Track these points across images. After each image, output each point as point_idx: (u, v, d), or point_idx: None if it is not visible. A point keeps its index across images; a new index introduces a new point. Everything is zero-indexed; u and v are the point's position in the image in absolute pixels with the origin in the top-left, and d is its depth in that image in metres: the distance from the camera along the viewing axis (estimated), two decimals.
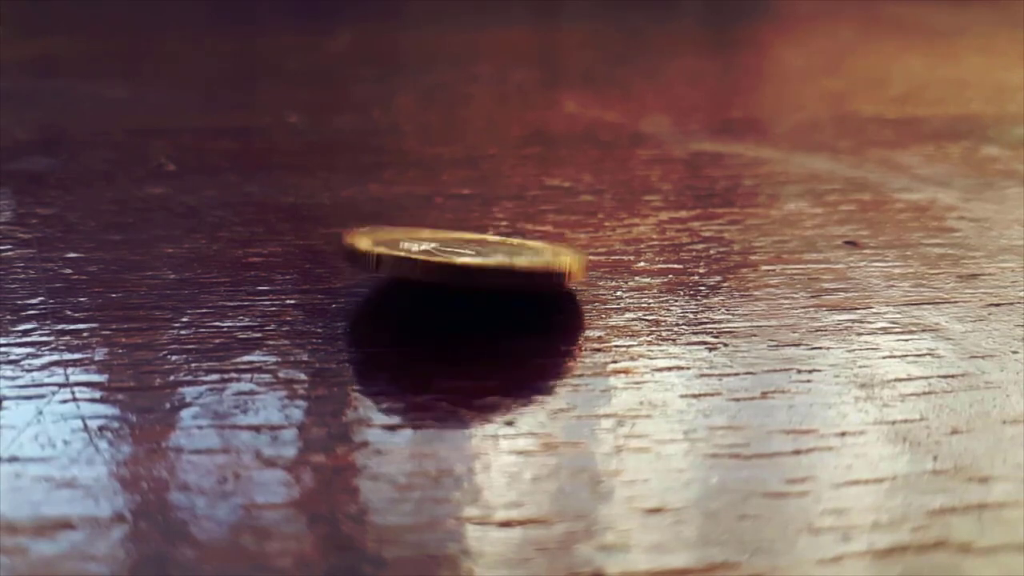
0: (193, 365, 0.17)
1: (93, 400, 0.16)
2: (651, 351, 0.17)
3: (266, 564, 0.13)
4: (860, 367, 0.17)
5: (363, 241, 0.18)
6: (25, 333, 0.17)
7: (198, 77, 0.34)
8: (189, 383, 0.16)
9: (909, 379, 0.16)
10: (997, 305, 0.19)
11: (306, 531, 0.13)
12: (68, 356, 0.17)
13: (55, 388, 0.16)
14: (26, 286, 0.19)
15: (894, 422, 0.15)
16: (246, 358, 0.17)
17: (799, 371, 0.17)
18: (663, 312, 0.18)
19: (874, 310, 0.19)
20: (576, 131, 0.29)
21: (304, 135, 0.28)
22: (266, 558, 0.13)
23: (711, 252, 0.21)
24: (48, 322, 0.18)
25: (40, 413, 0.15)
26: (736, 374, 0.17)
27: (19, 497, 0.14)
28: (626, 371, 0.17)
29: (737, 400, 0.16)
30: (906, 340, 0.18)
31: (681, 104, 0.32)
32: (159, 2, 0.45)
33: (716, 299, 0.19)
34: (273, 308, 0.18)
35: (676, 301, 0.19)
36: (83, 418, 0.15)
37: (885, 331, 0.18)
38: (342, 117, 0.30)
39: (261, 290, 0.19)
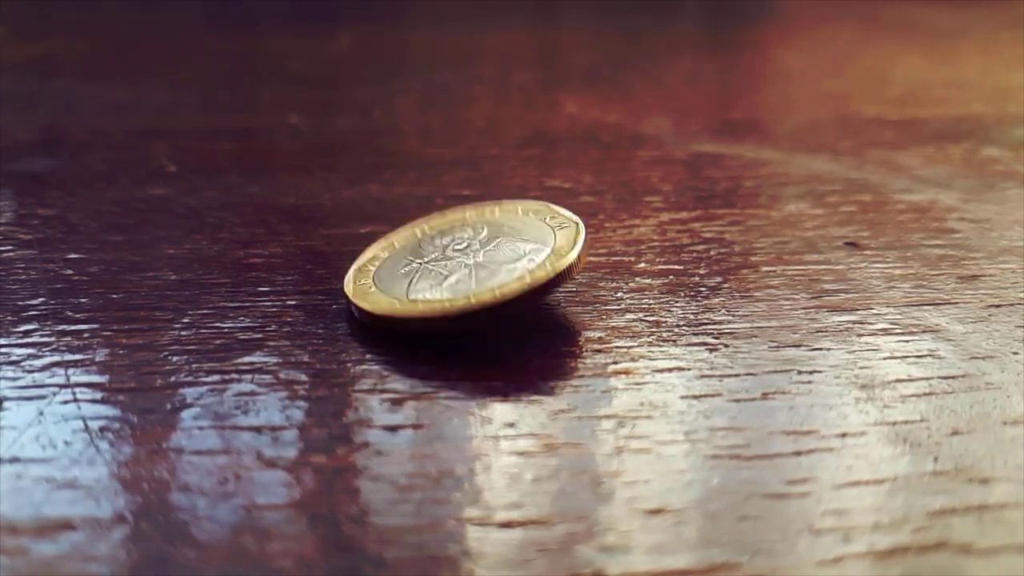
0: (194, 366, 0.17)
1: (94, 401, 0.16)
2: (652, 352, 0.17)
3: (267, 565, 0.13)
4: (861, 368, 0.17)
5: (372, 298, 0.18)
6: (26, 334, 0.17)
7: (199, 78, 0.34)
8: (190, 384, 0.16)
9: (910, 380, 0.16)
10: (998, 306, 0.19)
11: (307, 532, 0.13)
12: (69, 357, 0.17)
13: (56, 389, 0.16)
14: (27, 287, 0.19)
15: (895, 423, 0.15)
16: (247, 359, 0.17)
17: (800, 372, 0.17)
18: (664, 313, 0.18)
19: (875, 311, 0.19)
20: (577, 132, 0.29)
21: (305, 136, 0.28)
22: (267, 559, 0.13)
23: (712, 253, 0.21)
24: (49, 323, 0.18)
25: (41, 414, 0.15)
26: (737, 375, 0.17)
27: (20, 498, 0.14)
28: (627, 372, 0.17)
29: (738, 401, 0.16)
30: (907, 341, 0.18)
31: (682, 105, 0.32)
32: (160, 3, 0.45)
33: (717, 300, 0.19)
34: (274, 309, 0.18)
35: (677, 302, 0.19)
36: (84, 419, 0.15)
37: (886, 332, 0.18)
38: (343, 118, 0.30)
39: (262, 291, 0.19)
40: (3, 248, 0.21)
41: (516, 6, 0.47)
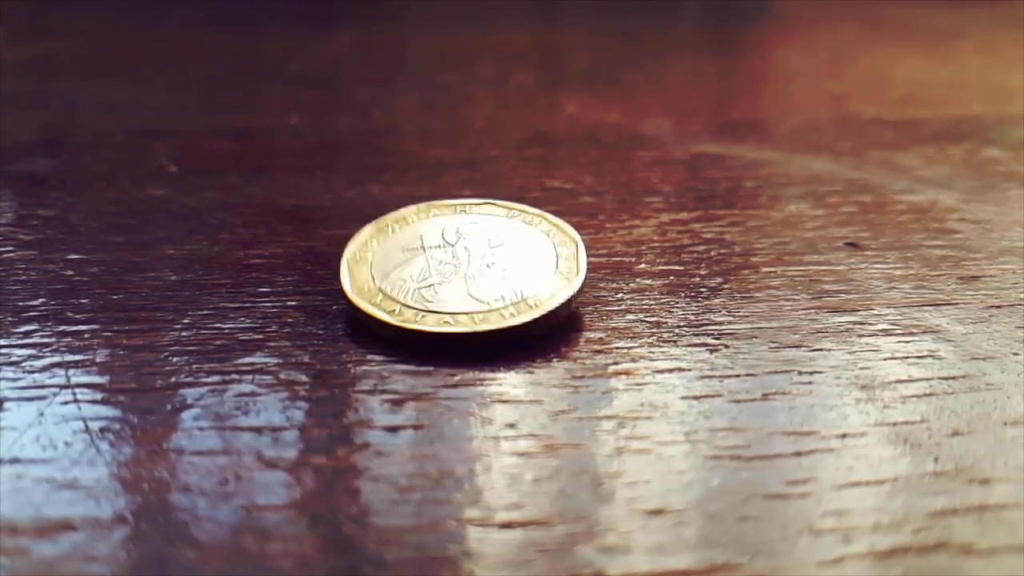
0: (194, 366, 0.17)
1: (94, 401, 0.16)
2: (652, 352, 0.17)
3: (267, 565, 0.13)
4: (861, 369, 0.17)
5: (375, 301, 0.18)
6: (26, 335, 0.17)
7: (199, 78, 0.34)
8: (190, 384, 0.16)
9: (910, 381, 0.16)
10: (998, 307, 0.19)
11: (307, 532, 0.13)
12: (69, 357, 0.17)
13: (56, 389, 0.16)
14: (27, 287, 0.19)
15: (895, 424, 0.15)
16: (247, 359, 0.17)
17: (800, 373, 0.17)
18: (664, 314, 0.18)
19: (875, 312, 0.19)
20: (577, 133, 0.29)
21: (305, 136, 0.28)
22: (267, 559, 0.13)
23: (712, 254, 0.21)
24: (49, 323, 0.18)
25: (41, 414, 0.15)
26: (737, 376, 0.17)
27: (20, 498, 0.14)
28: (627, 372, 0.17)
29: (738, 402, 0.16)
30: (907, 342, 0.18)
31: (682, 106, 0.32)
32: (160, 3, 0.45)
33: (717, 301, 0.19)
34: (274, 310, 0.18)
35: (677, 303, 0.19)
36: (84, 419, 0.15)
37: (886, 333, 0.18)
38: (343, 118, 0.30)
39: (262, 291, 0.19)
40: (3, 249, 0.21)
41: (516, 7, 0.47)
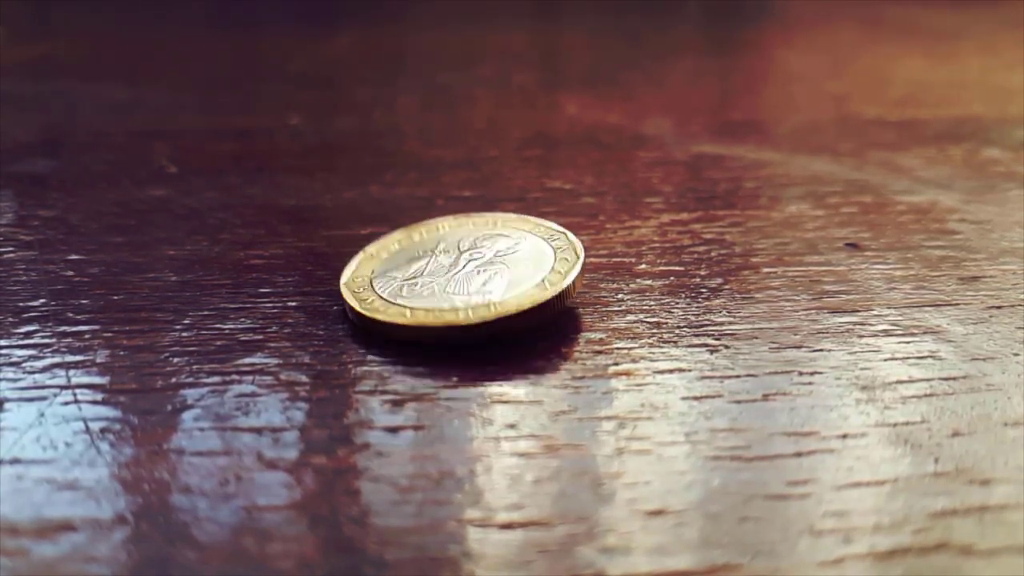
0: (194, 367, 0.17)
1: (95, 402, 0.16)
2: (652, 353, 0.17)
3: (267, 566, 0.13)
4: (861, 369, 0.17)
5: (369, 303, 0.18)
6: (27, 335, 0.17)
7: (199, 79, 0.34)
8: (190, 385, 0.16)
9: (910, 381, 0.16)
10: (998, 307, 0.19)
11: (307, 533, 0.13)
12: (70, 358, 0.17)
13: (57, 390, 0.16)
14: (28, 288, 0.19)
15: (895, 424, 0.15)
16: (247, 360, 0.17)
17: (800, 373, 0.17)
18: (664, 314, 0.18)
19: (875, 312, 0.19)
20: (577, 133, 0.29)
21: (305, 137, 0.28)
22: (267, 560, 0.13)
23: (712, 254, 0.21)
24: (50, 324, 0.18)
25: (42, 415, 0.15)
26: (737, 376, 0.17)
27: (21, 499, 0.14)
28: (627, 373, 0.17)
29: (738, 402, 0.16)
30: (907, 342, 0.18)
31: (682, 106, 0.32)
32: (160, 4, 0.45)
33: (717, 301, 0.19)
34: (274, 310, 0.18)
35: (677, 303, 0.19)
36: (85, 420, 0.15)
37: (886, 333, 0.18)
38: (343, 119, 0.30)
39: (262, 292, 0.19)
40: (4, 249, 0.21)
41: (516, 7, 0.47)
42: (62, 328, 0.18)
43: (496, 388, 0.16)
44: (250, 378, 0.16)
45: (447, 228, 0.20)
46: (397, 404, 0.16)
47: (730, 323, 0.18)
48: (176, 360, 0.17)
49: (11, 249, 0.21)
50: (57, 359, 0.17)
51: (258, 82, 0.34)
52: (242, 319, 0.18)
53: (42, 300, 0.19)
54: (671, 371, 0.17)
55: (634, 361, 0.17)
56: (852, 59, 0.38)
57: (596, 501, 0.14)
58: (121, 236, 0.21)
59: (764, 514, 0.14)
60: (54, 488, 0.14)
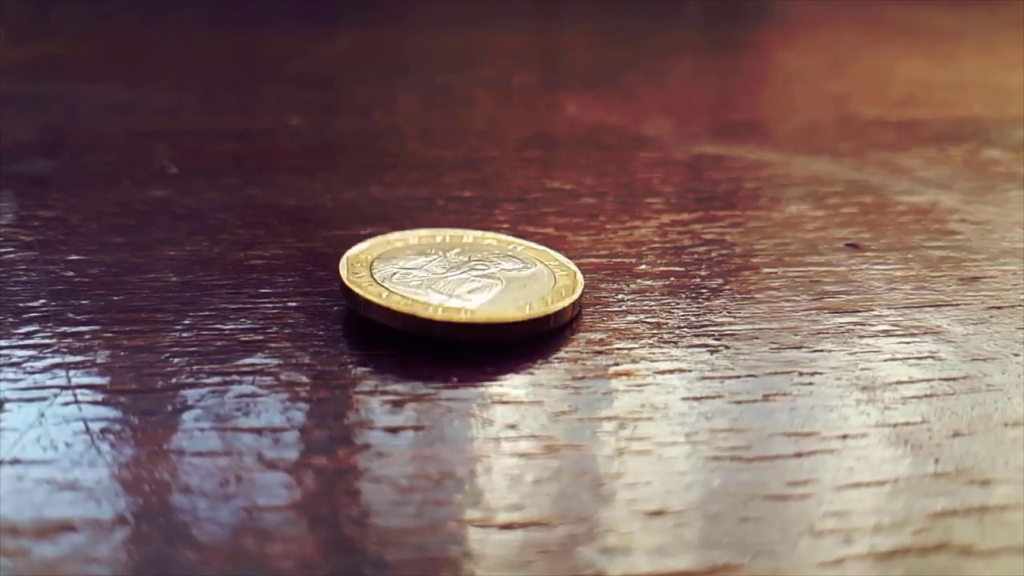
0: (195, 367, 0.17)
1: (95, 402, 0.16)
2: (653, 353, 0.17)
3: (268, 566, 0.13)
4: (862, 370, 0.17)
5: (359, 279, 0.18)
6: (27, 335, 0.17)
7: (199, 79, 0.34)
8: (191, 385, 0.16)
9: (911, 382, 0.16)
10: (999, 308, 0.19)
11: (308, 533, 0.13)
12: (70, 358, 0.17)
13: (57, 390, 0.16)
14: (28, 288, 0.19)
15: (896, 425, 0.15)
16: (248, 360, 0.17)
17: (801, 373, 0.17)
18: (665, 315, 0.18)
19: (876, 313, 0.19)
20: (578, 134, 0.29)
21: (306, 137, 0.28)
22: (268, 560, 0.13)
23: (713, 255, 0.21)
24: (50, 324, 0.18)
25: (42, 415, 0.15)
26: (738, 376, 0.17)
27: (21, 499, 0.14)
28: (628, 373, 0.17)
29: (739, 402, 0.16)
30: (907, 343, 0.18)
31: (683, 107, 0.32)
32: (160, 4, 0.45)
33: (718, 302, 0.19)
34: (275, 310, 0.18)
35: (678, 303, 0.19)
36: (85, 420, 0.15)
37: (887, 334, 0.18)
38: (344, 119, 0.30)
39: (263, 292, 0.19)
40: (4, 250, 0.21)
41: (516, 7, 0.47)
42: (62, 328, 0.18)
43: (496, 388, 0.16)
44: (250, 378, 0.16)
45: (470, 238, 0.20)
46: (397, 404, 0.16)
47: (730, 323, 0.18)
48: (176, 360, 0.17)
49: (11, 249, 0.21)
50: (57, 359, 0.17)
51: (258, 82, 0.34)
52: (242, 319, 0.18)
53: (42, 300, 0.19)
54: (671, 371, 0.17)
55: (634, 361, 0.17)
56: (852, 59, 0.38)
57: (596, 501, 0.14)
58: (121, 236, 0.21)
59: (764, 514, 0.14)
60: (54, 488, 0.14)
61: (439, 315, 0.17)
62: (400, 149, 0.28)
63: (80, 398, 0.16)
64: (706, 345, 0.17)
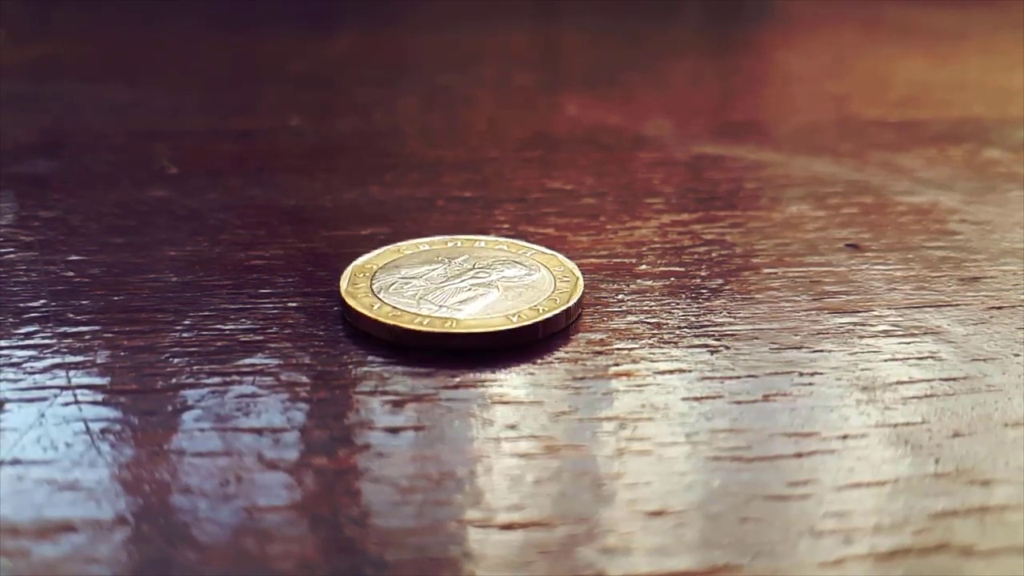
0: (195, 368, 0.17)
1: (95, 403, 0.16)
2: (653, 354, 0.17)
3: (268, 566, 0.13)
4: (862, 370, 0.17)
5: (360, 298, 0.18)
6: (27, 336, 0.17)
7: (200, 80, 0.34)
8: (191, 386, 0.16)
9: (911, 382, 0.16)
10: (999, 308, 0.19)
11: (308, 533, 0.13)
12: (70, 359, 0.17)
13: (57, 391, 0.16)
14: (28, 289, 0.19)
15: (896, 425, 0.15)
16: (248, 361, 0.17)
17: (801, 374, 0.17)
18: (665, 315, 0.18)
19: (876, 313, 0.19)
20: (578, 134, 0.29)
21: (306, 138, 0.28)
22: (268, 560, 0.13)
23: (713, 255, 0.21)
24: (50, 325, 0.18)
25: (42, 416, 0.15)
26: (738, 377, 0.17)
27: (21, 499, 0.14)
28: (628, 374, 0.17)
29: (739, 403, 0.16)
30: (908, 343, 0.18)
31: (683, 107, 0.32)
32: (161, 5, 0.45)
33: (718, 302, 0.19)
34: (275, 311, 0.18)
35: (678, 304, 0.19)
36: (85, 421, 0.15)
37: (887, 334, 0.18)
38: (344, 120, 0.30)
39: (263, 293, 0.19)
40: (4, 250, 0.21)
41: (516, 7, 0.47)
42: (62, 329, 0.18)
43: (496, 389, 0.16)
44: (251, 379, 0.16)
45: (482, 244, 0.20)
46: (397, 405, 0.16)
47: (730, 324, 0.18)
48: (176, 361, 0.17)
49: (11, 250, 0.21)
50: (57, 360, 0.17)
51: (258, 83, 0.34)
52: (242, 320, 0.18)
53: (42, 301, 0.19)
54: (671, 372, 0.17)
55: (634, 362, 0.17)
56: (852, 60, 0.38)
57: (596, 502, 0.14)
58: (121, 237, 0.21)
59: (764, 515, 0.14)
60: (54, 489, 0.14)
61: (423, 326, 0.17)
62: (400, 149, 0.28)
63: (80, 398, 0.16)
64: (706, 345, 0.17)
